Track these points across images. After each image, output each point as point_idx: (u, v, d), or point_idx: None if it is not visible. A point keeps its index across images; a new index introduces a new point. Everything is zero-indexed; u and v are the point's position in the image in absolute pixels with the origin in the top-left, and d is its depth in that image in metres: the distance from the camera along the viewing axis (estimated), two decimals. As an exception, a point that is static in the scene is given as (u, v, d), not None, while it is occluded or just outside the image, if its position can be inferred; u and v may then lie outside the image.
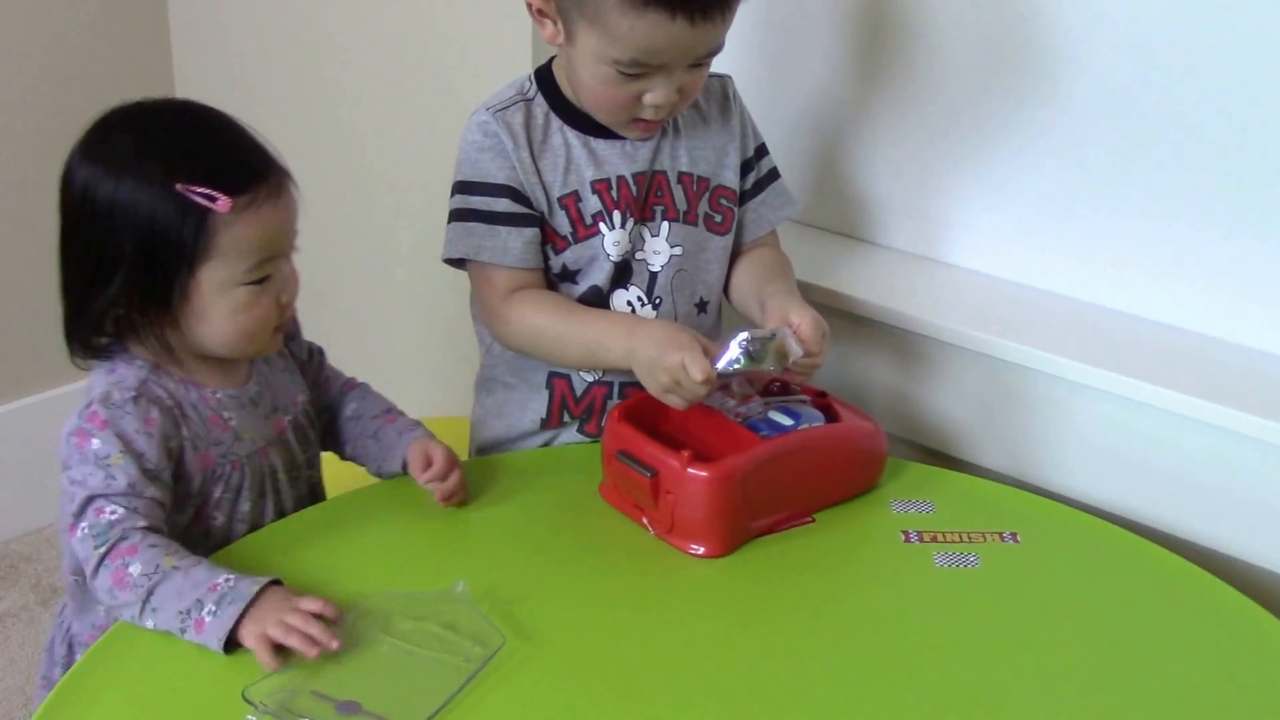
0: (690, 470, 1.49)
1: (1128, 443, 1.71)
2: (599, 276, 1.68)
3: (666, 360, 1.52)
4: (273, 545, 1.50)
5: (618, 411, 1.59)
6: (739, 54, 1.96)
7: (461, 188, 1.67)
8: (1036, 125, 1.83)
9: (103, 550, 1.36)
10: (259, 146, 1.46)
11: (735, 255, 1.77)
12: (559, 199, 1.66)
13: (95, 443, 1.40)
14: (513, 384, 1.76)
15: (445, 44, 2.27)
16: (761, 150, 1.79)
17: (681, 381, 1.51)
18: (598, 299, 1.69)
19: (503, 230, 1.64)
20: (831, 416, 1.62)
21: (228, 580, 1.33)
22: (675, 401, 1.54)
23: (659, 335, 1.55)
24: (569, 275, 1.69)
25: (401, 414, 1.64)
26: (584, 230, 1.67)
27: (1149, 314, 1.80)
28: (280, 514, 1.56)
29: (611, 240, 1.67)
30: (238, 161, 1.43)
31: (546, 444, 1.76)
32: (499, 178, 1.64)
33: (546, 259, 1.68)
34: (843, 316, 1.88)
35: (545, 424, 1.75)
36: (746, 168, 1.77)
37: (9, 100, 2.57)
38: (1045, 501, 1.65)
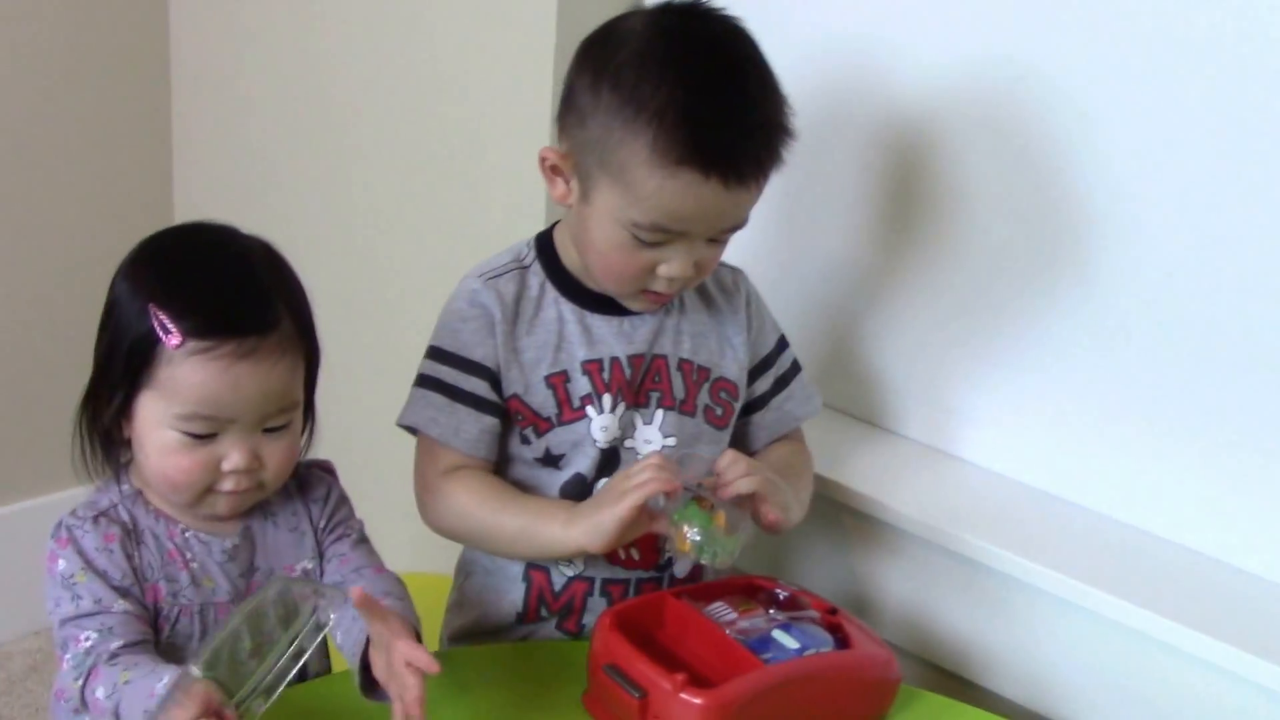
0: (683, 696, 1.36)
1: (1153, 686, 1.58)
2: (584, 463, 1.56)
3: (612, 482, 1.48)
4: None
5: (610, 618, 1.46)
6: (754, 221, 1.86)
7: (433, 353, 1.57)
8: (1065, 319, 1.72)
9: (80, 683, 1.32)
10: (260, 307, 1.36)
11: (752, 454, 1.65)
12: (546, 377, 1.55)
13: (61, 563, 1.37)
14: (491, 570, 1.63)
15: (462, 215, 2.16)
16: (782, 344, 1.69)
17: (633, 472, 1.44)
18: (581, 488, 1.57)
19: (462, 410, 1.54)
20: (840, 638, 1.49)
21: (162, 684, 1.25)
22: (642, 492, 1.42)
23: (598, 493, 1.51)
24: (552, 460, 1.57)
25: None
26: (570, 413, 1.56)
27: (1185, 540, 1.66)
28: None
29: (599, 425, 1.55)
30: (218, 307, 1.34)
31: (524, 639, 1.62)
32: (475, 354, 1.54)
33: (528, 442, 1.56)
34: (850, 514, 1.75)
35: (522, 618, 1.62)
36: (765, 364, 1.66)
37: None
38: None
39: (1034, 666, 1.66)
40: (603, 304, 1.57)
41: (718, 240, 1.50)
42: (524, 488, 1.58)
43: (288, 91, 2.41)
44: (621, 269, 1.50)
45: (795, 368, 1.69)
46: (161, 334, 1.32)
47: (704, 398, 1.60)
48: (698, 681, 1.38)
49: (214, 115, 2.57)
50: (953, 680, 1.72)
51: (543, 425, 1.56)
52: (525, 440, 1.56)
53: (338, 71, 2.31)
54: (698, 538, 1.43)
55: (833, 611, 1.52)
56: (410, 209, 2.25)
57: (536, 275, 1.57)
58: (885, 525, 1.74)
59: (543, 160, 1.53)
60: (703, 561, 1.44)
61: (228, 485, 1.37)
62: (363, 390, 2.13)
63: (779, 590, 1.54)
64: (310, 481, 1.51)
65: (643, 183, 1.43)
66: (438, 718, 1.39)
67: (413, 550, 1.82)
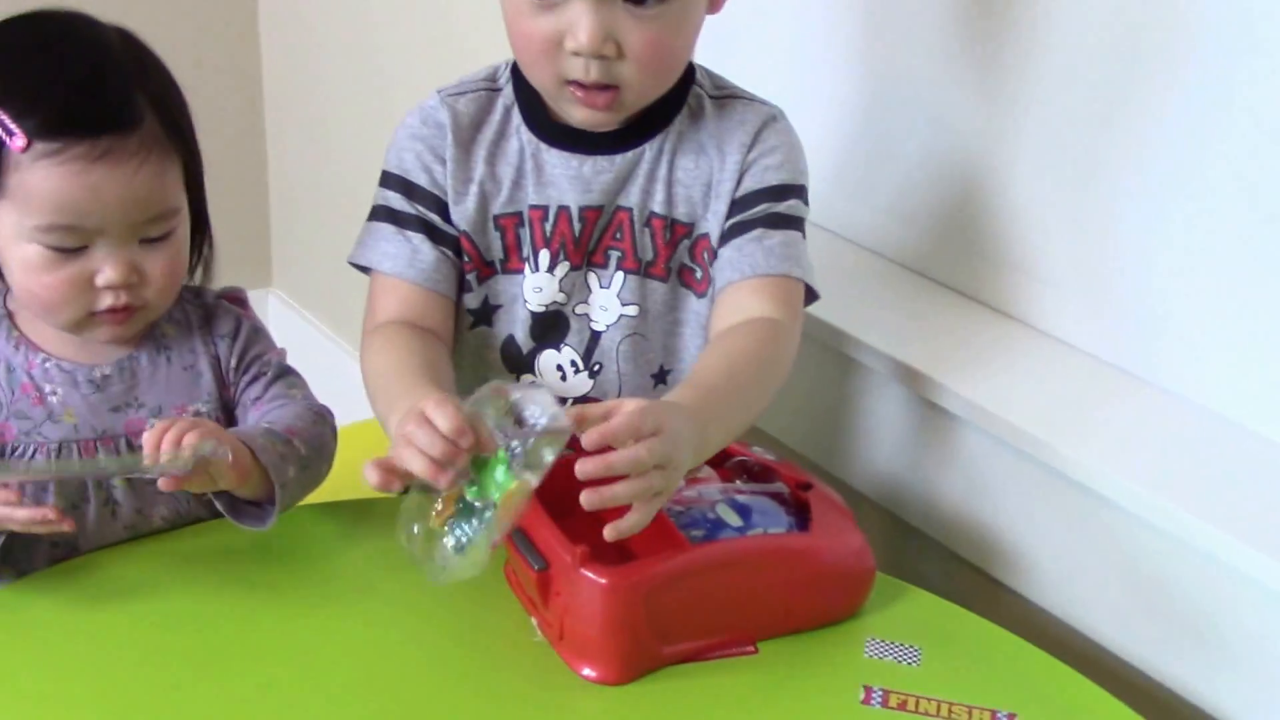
0: (583, 572, 1.15)
1: (1202, 606, 1.31)
2: (516, 326, 1.35)
3: (408, 420, 1.10)
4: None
5: (530, 474, 1.26)
6: (841, 70, 1.59)
7: (383, 179, 1.36)
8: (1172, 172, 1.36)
9: None
10: (115, 102, 1.20)
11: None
12: (497, 217, 1.33)
13: None
14: None
15: None
16: (788, 191, 1.34)
17: (405, 429, 1.09)
18: (518, 358, 1.36)
19: (415, 238, 1.33)
20: (805, 519, 1.26)
21: None
22: (377, 475, 1.09)
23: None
24: (487, 314, 1.36)
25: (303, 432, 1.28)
26: (516, 261, 1.34)
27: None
28: (110, 541, 1.29)
29: (531, 285, 1.33)
30: (65, 103, 1.18)
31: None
32: (422, 180, 1.33)
33: (468, 289, 1.35)
34: (896, 383, 1.50)
35: None
36: (749, 201, 1.33)
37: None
38: (1069, 672, 1.23)
39: (1064, 569, 1.40)
40: (566, 137, 1.33)
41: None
42: (468, 357, 1.38)
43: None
44: (527, 46, 1.25)
45: (789, 222, 1.33)
46: (4, 136, 1.17)
47: (682, 257, 1.35)
48: (614, 557, 1.18)
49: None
50: (980, 576, 1.47)
51: (485, 271, 1.35)
52: (467, 287, 1.35)
53: None
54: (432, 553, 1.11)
55: (806, 487, 1.29)
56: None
57: (505, 98, 1.35)
58: (929, 402, 1.48)
59: None
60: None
61: (106, 302, 1.23)
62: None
63: (751, 458, 1.32)
64: (217, 315, 1.35)
65: None
66: (333, 572, 1.28)
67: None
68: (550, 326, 1.35)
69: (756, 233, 1.32)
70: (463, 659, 1.19)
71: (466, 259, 1.34)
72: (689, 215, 1.34)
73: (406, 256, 1.32)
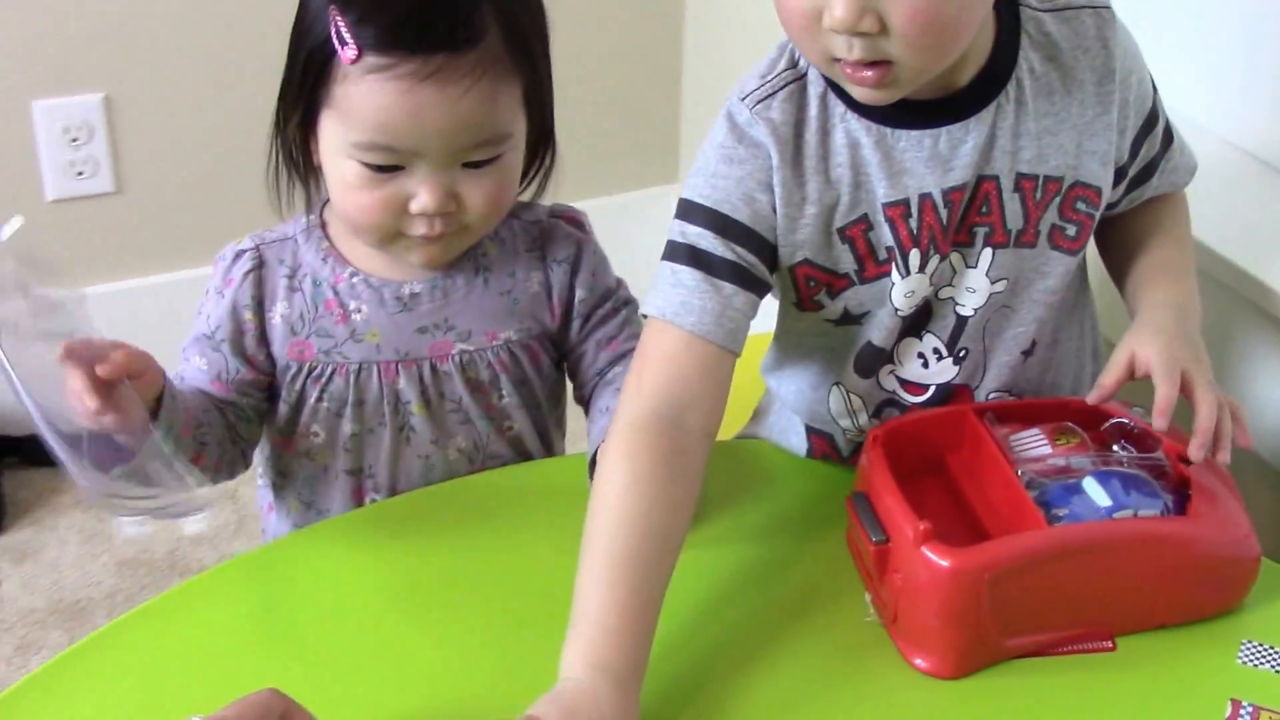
0: (924, 551, 1.05)
1: None
2: (878, 331, 1.20)
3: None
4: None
5: (880, 434, 1.16)
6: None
7: (686, 210, 1.15)
8: None
9: None
10: (456, 17, 1.12)
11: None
12: (841, 230, 1.15)
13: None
14: (781, 398, 1.32)
15: None
16: (1154, 117, 1.22)
17: None
18: (876, 360, 1.22)
19: (727, 288, 1.12)
20: (1181, 499, 1.12)
21: None
22: None
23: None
24: (851, 318, 1.20)
25: None
26: (874, 267, 1.16)
27: None
28: (404, 469, 1.27)
29: (902, 291, 1.16)
30: (403, 15, 1.11)
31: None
32: (742, 214, 1.13)
33: (819, 307, 1.19)
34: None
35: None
36: (1134, 148, 1.21)
37: None
38: None
39: None
40: (909, 113, 1.12)
41: None
42: (808, 358, 1.27)
43: None
44: (787, 20, 1.07)
45: (1169, 139, 1.25)
46: (338, 45, 1.12)
47: (1051, 217, 1.17)
48: (963, 535, 1.08)
49: None
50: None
51: (839, 284, 1.18)
52: (816, 305, 1.20)
53: None
54: None
55: (1189, 460, 1.14)
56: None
57: (815, 84, 1.14)
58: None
59: None
60: None
61: (418, 229, 1.17)
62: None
63: (1129, 420, 1.17)
64: (553, 238, 1.28)
65: None
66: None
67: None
68: (917, 321, 1.21)
69: (1153, 182, 1.26)
70: (786, 631, 1.11)
71: (811, 283, 1.18)
72: (1061, 167, 1.16)
73: (715, 312, 1.11)
